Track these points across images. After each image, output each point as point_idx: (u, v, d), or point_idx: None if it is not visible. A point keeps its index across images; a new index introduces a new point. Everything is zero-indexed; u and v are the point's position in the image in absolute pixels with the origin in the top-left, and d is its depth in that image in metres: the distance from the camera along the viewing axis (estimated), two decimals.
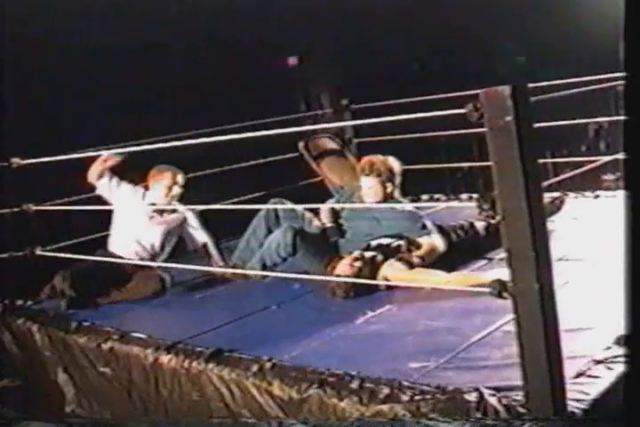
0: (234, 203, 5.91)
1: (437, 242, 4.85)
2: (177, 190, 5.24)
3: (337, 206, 5.38)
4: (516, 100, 2.47)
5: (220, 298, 4.87)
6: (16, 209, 5.02)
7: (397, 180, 5.17)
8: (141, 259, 5.15)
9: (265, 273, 4.84)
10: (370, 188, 5.12)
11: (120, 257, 5.09)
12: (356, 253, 4.65)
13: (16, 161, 4.92)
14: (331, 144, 6.52)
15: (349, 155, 6.60)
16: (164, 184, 5.22)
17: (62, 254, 4.83)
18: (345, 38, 7.84)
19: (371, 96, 6.91)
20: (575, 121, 6.29)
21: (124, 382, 4.07)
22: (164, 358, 3.82)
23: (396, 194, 5.21)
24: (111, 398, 4.19)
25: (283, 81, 7.68)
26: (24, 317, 4.82)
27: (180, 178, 5.25)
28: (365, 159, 5.22)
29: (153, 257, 5.25)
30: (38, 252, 5.04)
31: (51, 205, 5.10)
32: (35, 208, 5.03)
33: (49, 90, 5.54)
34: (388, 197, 5.15)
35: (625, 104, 2.74)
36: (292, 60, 8.07)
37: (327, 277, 4.51)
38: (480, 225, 5.22)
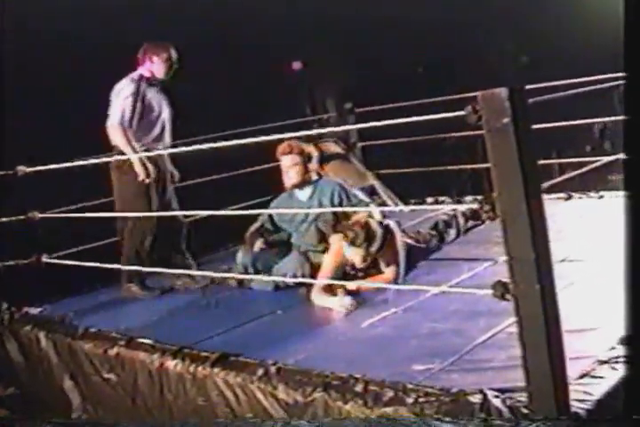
0: (238, 208, 5.91)
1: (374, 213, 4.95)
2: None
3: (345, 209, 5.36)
4: (514, 102, 2.47)
5: (226, 303, 4.88)
6: (22, 217, 5.04)
7: (314, 162, 5.30)
8: None
9: (266, 278, 4.87)
10: (291, 166, 5.12)
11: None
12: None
13: (21, 169, 4.94)
14: (335, 148, 6.54)
15: (354, 159, 6.61)
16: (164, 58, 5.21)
17: (68, 262, 4.84)
18: (349, 42, 7.84)
19: (375, 99, 6.92)
20: (579, 121, 6.27)
21: (128, 389, 4.08)
22: (170, 364, 3.84)
23: (314, 176, 5.28)
24: (116, 404, 4.20)
25: (287, 85, 7.70)
26: (31, 324, 4.85)
27: (173, 53, 5.24)
28: (284, 143, 5.18)
29: None
30: (44, 259, 5.06)
31: (56, 213, 5.11)
32: (40, 216, 5.04)
33: (51, 97, 5.57)
34: (308, 178, 5.18)
35: (625, 104, 2.73)
36: (297, 65, 8.09)
37: (332, 281, 4.54)
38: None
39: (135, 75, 5.17)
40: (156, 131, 5.23)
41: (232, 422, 3.53)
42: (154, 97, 5.21)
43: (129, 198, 5.17)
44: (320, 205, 5.08)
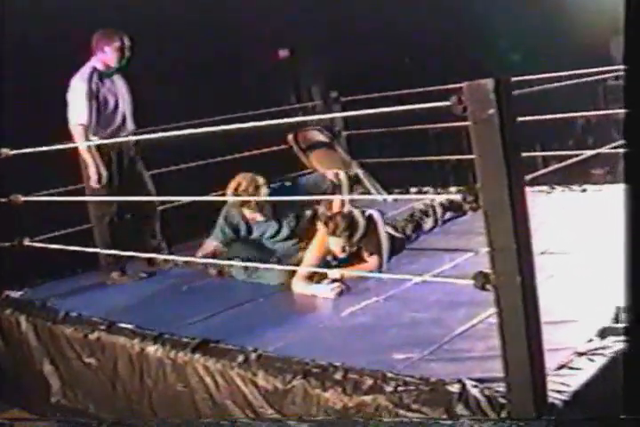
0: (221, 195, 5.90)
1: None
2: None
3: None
4: (500, 94, 2.47)
5: (207, 289, 4.88)
6: (4, 200, 5.01)
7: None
8: None
9: (252, 264, 4.85)
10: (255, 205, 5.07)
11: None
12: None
13: (4, 151, 4.90)
14: (320, 136, 6.52)
15: (338, 147, 6.61)
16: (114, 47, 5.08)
17: (51, 245, 4.82)
18: (335, 30, 7.84)
19: (361, 88, 6.92)
20: (563, 115, 6.30)
21: (108, 373, 4.09)
22: (151, 349, 3.84)
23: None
24: (96, 388, 4.21)
25: (273, 73, 7.69)
26: (11, 307, 4.84)
27: (126, 40, 5.11)
28: (237, 185, 5.05)
29: None
30: (26, 242, 5.04)
31: (39, 196, 5.09)
32: (23, 199, 5.01)
33: (36, 79, 5.55)
34: (263, 205, 5.12)
35: (625, 98, 2.74)
36: (283, 53, 8.07)
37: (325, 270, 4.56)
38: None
39: (86, 70, 5.04)
40: (117, 121, 5.19)
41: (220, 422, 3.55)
42: (109, 89, 5.13)
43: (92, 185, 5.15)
44: (281, 226, 5.17)
